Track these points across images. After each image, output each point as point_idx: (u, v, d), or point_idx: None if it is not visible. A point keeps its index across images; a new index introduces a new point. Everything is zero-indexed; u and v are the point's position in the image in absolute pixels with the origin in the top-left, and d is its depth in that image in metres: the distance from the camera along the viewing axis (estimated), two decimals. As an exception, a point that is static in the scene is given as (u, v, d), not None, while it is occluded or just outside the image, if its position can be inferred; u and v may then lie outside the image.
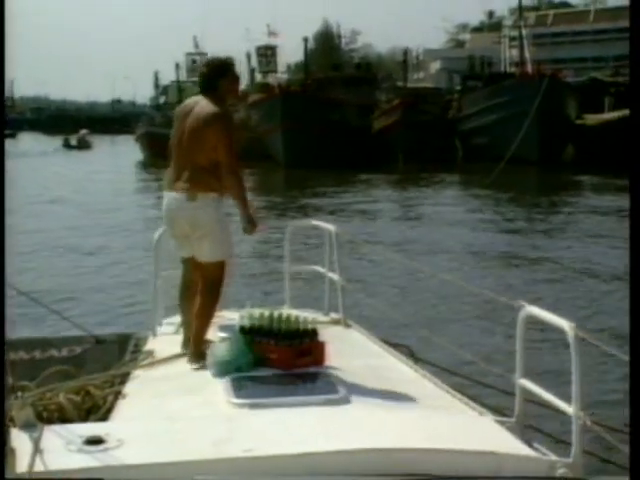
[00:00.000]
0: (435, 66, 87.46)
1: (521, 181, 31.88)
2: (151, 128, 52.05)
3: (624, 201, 23.83)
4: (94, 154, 60.43)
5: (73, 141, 68.50)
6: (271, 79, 56.01)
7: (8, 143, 56.62)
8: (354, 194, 28.63)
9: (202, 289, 4.99)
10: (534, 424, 4.11)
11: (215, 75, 5.07)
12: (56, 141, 69.48)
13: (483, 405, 4.18)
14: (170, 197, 5.01)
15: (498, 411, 4.15)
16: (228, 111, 5.04)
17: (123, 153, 56.60)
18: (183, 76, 64.71)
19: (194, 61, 63.48)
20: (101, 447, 2.96)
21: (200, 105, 5.02)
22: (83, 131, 71.42)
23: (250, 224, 4.94)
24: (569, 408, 3.31)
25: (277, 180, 37.86)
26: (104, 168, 44.14)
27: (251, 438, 3.16)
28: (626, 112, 37.48)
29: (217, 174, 4.89)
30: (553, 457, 3.28)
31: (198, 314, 4.98)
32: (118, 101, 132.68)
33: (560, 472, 3.08)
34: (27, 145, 62.22)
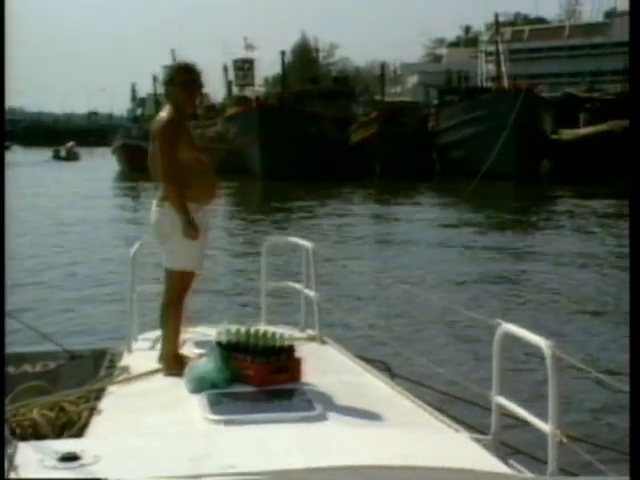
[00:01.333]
0: (412, 80, 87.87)
1: (497, 195, 32.10)
2: (128, 140, 52.02)
3: (600, 207, 24.37)
4: (82, 165, 62.99)
5: (62, 152, 71.89)
6: (248, 92, 56.04)
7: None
8: (331, 207, 28.69)
9: (164, 299, 5.04)
10: (511, 441, 4.12)
11: (167, 83, 5.08)
12: (38, 153, 71.22)
13: (459, 422, 4.18)
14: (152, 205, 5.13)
15: (474, 428, 4.15)
16: (171, 119, 4.92)
17: (108, 164, 57.45)
18: (160, 89, 64.49)
19: (171, 74, 63.55)
20: (77, 464, 2.92)
21: (157, 116, 5.08)
22: (70, 143, 74.52)
23: (189, 229, 4.88)
24: (545, 426, 3.31)
25: (254, 192, 37.87)
26: (96, 177, 46.96)
27: (227, 455, 3.14)
28: (601, 127, 37.94)
29: (186, 182, 4.89)
30: (529, 475, 3.28)
31: (162, 325, 5.03)
32: (95, 113, 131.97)
33: None
34: (18, 156, 64.58)
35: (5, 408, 3.12)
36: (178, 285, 4.99)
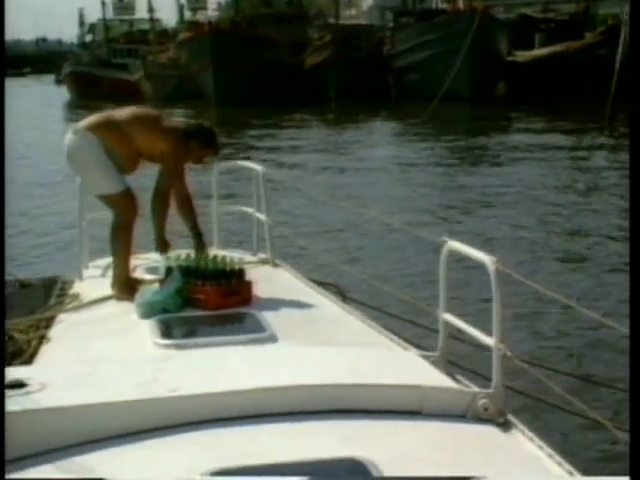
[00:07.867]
0: (367, 2, 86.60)
1: (454, 118, 32.03)
2: (77, 67, 50.95)
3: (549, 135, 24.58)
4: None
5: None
6: (201, 17, 54.91)
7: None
8: (286, 133, 28.45)
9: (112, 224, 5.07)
10: (457, 358, 4.20)
11: (199, 139, 5.08)
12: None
13: (408, 340, 4.24)
14: None
15: (422, 346, 4.22)
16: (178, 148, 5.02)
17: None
18: (110, 14, 63.30)
19: (121, -1, 62.85)
20: (22, 391, 2.91)
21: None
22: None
23: (162, 245, 5.01)
24: (490, 340, 3.37)
25: (208, 119, 37.20)
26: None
27: (176, 378, 3.15)
28: (556, 48, 37.83)
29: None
30: (475, 388, 3.34)
31: (112, 251, 5.03)
32: (43, 39, 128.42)
33: (481, 402, 3.15)
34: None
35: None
36: (121, 209, 4.96)
